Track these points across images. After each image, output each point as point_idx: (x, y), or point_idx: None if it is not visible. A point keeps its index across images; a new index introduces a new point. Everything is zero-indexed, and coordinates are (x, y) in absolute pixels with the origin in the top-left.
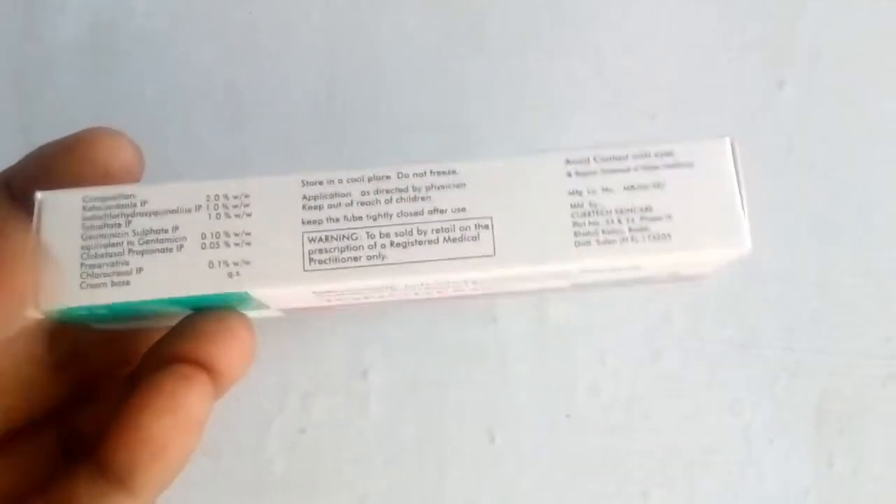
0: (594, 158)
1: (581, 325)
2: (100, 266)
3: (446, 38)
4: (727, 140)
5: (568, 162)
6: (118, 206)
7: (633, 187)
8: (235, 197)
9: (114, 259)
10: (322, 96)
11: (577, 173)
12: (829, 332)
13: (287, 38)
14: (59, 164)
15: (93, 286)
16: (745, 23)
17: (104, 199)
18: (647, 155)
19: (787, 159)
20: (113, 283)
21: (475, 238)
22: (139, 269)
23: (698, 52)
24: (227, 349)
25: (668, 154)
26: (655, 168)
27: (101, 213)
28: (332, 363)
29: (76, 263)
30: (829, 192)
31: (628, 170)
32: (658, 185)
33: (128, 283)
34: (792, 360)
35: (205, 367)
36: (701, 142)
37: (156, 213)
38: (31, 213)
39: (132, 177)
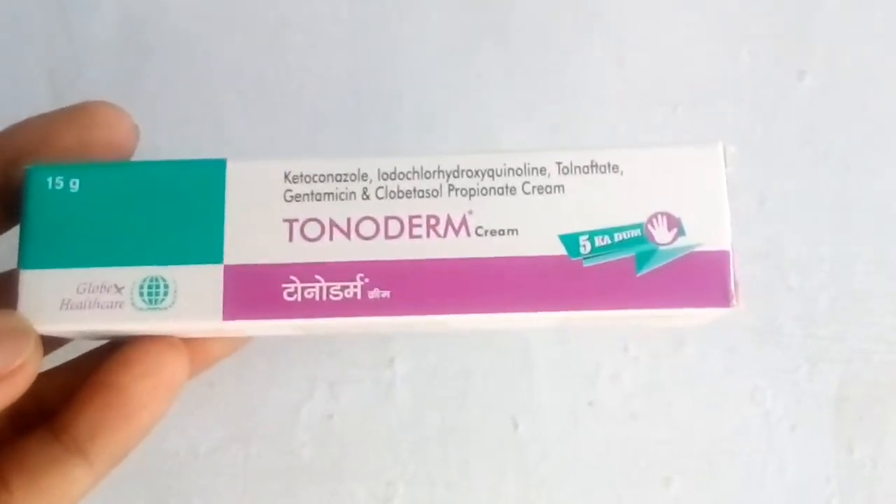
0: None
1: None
2: None
3: (469, 33)
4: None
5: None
6: None
7: None
8: None
9: None
10: (347, 90)
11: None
12: (848, 319)
13: (313, 32)
14: (61, 134)
15: None
16: (765, 14)
17: None
18: None
19: (806, 149)
20: None
21: None
22: None
23: (718, 43)
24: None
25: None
26: None
27: None
28: (359, 351)
29: None
30: (847, 181)
31: None
32: None
33: None
34: (812, 348)
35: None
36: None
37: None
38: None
39: (129, 151)
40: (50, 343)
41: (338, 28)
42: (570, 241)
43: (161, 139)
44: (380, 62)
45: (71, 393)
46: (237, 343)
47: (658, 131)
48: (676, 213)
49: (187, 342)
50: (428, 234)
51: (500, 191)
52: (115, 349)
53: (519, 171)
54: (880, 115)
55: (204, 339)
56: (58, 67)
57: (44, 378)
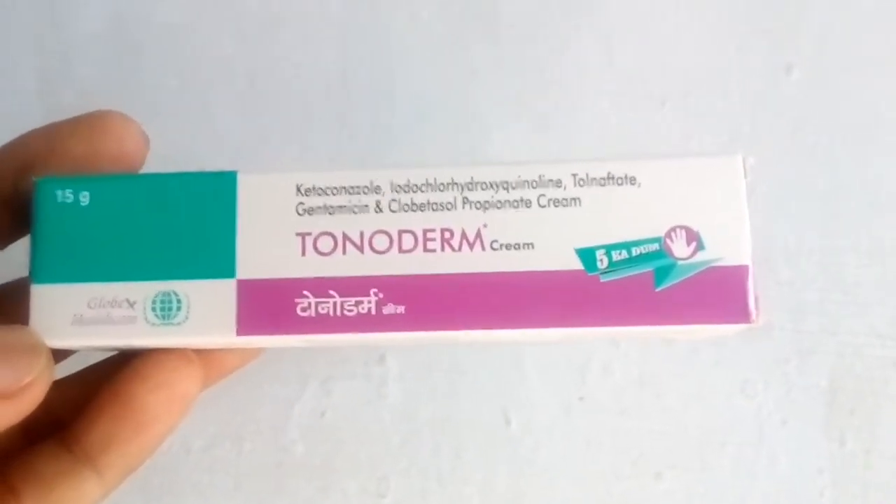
0: None
1: None
2: None
3: (459, 28)
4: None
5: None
6: None
7: None
8: None
9: None
10: (337, 85)
11: None
12: (837, 312)
13: (303, 28)
14: (70, 144)
15: None
16: (752, 8)
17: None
18: None
19: (795, 142)
20: None
21: None
22: None
23: (707, 38)
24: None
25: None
26: None
27: None
28: (350, 348)
29: None
30: (834, 174)
31: None
32: None
33: None
34: (802, 341)
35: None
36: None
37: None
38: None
39: (139, 163)
40: (58, 353)
41: (328, 24)
42: (586, 255)
43: (150, 135)
44: (370, 58)
45: (82, 404)
46: (250, 354)
47: (648, 126)
48: (695, 227)
49: (200, 353)
50: (442, 248)
51: (515, 204)
52: (127, 360)
53: (534, 184)
54: (868, 107)
55: (217, 351)
56: (47, 60)
57: (53, 388)
